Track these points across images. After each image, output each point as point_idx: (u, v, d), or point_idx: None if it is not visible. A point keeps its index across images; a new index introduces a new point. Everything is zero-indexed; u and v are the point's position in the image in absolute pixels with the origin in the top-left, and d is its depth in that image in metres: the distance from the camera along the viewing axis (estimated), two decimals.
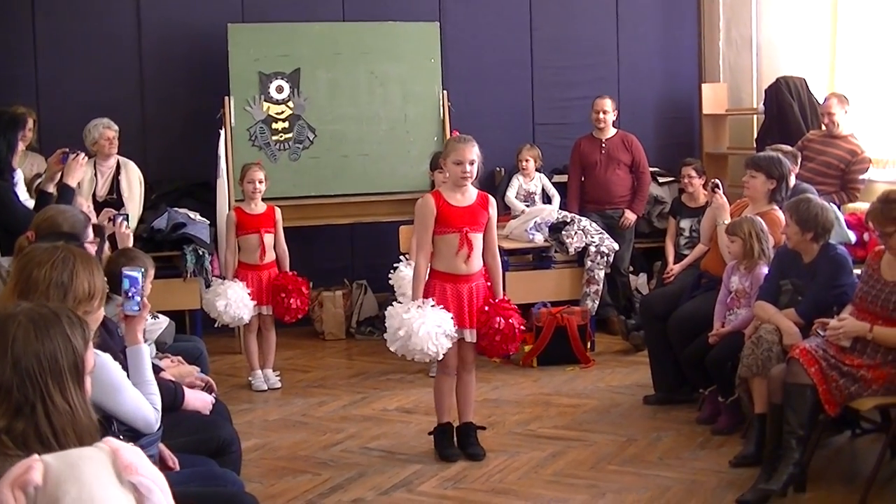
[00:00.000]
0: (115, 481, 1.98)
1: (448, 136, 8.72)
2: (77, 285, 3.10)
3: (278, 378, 7.26)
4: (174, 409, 4.10)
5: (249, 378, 7.21)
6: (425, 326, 5.24)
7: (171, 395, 4.11)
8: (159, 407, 3.52)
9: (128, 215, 5.70)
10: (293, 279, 7.11)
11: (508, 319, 5.42)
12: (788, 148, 6.95)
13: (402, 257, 7.41)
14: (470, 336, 5.46)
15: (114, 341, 3.78)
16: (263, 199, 7.18)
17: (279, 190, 8.05)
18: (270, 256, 7.13)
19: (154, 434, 3.55)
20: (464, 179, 5.38)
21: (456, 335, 5.38)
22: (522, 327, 5.57)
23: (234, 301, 6.90)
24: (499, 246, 7.57)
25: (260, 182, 7.08)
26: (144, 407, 3.44)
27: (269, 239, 7.10)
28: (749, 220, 5.82)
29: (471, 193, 5.46)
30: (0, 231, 5.06)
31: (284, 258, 7.19)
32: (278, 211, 7.21)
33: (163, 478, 2.08)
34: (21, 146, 5.29)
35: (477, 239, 5.44)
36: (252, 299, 7.02)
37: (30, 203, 5.41)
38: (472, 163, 5.35)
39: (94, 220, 5.01)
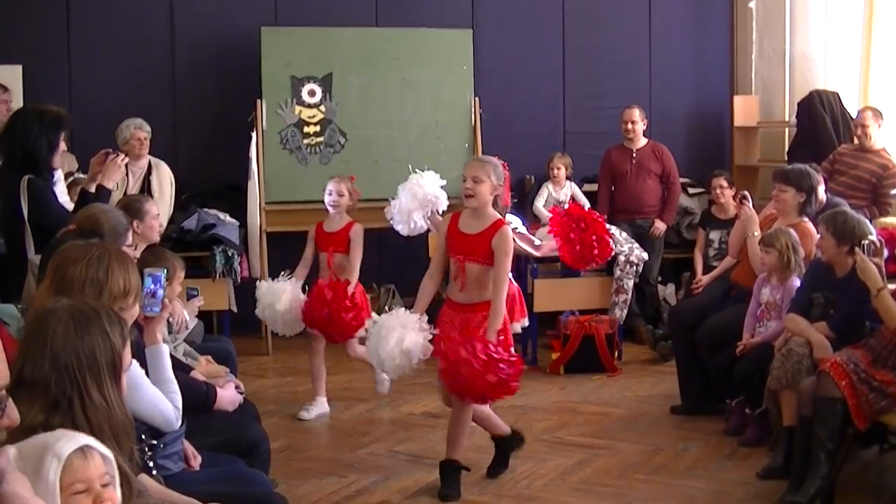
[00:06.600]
0: None
1: (478, 144, 8.77)
2: (112, 282, 3.12)
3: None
4: (206, 410, 4.13)
5: (308, 405, 6.56)
6: (395, 334, 4.94)
7: (203, 396, 4.13)
8: (180, 405, 3.52)
9: (196, 294, 5.51)
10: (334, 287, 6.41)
11: (474, 352, 4.70)
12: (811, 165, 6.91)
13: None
14: None
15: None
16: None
17: (308, 194, 8.05)
18: (343, 278, 6.49)
19: (176, 432, 3.57)
20: (466, 198, 5.01)
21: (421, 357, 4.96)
22: (504, 370, 4.75)
23: (289, 305, 6.39)
24: (529, 256, 7.62)
25: (340, 195, 6.54)
26: (163, 405, 3.44)
27: (338, 259, 6.53)
28: (785, 231, 5.81)
29: (485, 221, 5.02)
30: (34, 229, 5.08)
31: (350, 273, 6.50)
32: (356, 228, 6.59)
33: None
34: (63, 147, 5.29)
35: (471, 269, 5.01)
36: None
37: (69, 204, 5.41)
38: (475, 180, 4.96)
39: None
